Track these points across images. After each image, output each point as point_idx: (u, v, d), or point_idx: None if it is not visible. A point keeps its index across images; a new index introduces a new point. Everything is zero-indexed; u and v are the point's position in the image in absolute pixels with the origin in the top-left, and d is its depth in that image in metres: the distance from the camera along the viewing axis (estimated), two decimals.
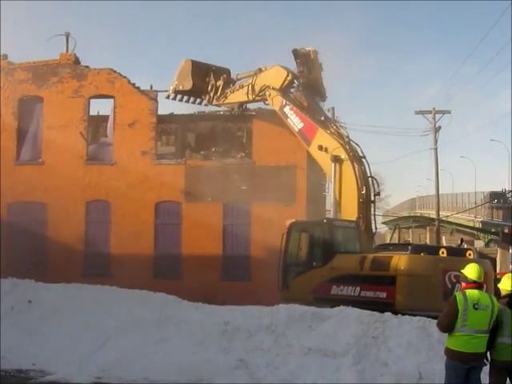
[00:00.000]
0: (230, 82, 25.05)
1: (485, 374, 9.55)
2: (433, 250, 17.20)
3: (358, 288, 16.66)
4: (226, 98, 24.94)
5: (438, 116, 40.64)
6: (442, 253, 16.73)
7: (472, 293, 9.24)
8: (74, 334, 15.17)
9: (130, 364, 13.68)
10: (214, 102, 25.40)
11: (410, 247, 17.10)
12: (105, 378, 13.42)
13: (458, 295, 9.27)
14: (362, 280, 16.69)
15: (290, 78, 22.43)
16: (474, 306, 9.10)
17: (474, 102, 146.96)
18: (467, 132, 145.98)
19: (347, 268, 17.34)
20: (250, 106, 25.90)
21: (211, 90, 25.13)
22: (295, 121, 21.84)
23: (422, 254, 16.48)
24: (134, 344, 14.34)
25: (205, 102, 25.87)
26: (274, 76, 22.89)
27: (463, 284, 9.56)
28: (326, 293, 17.37)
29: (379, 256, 17.04)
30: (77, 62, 27.36)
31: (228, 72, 25.86)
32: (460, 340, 9.12)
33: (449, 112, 41.43)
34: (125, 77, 26.77)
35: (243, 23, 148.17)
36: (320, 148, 20.73)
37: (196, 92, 25.77)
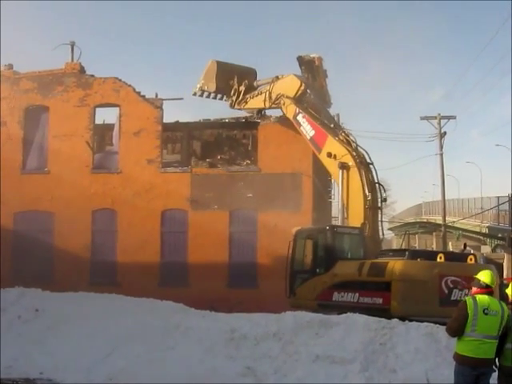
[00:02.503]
0: (251, 88, 25.15)
1: (493, 380, 9.51)
2: (431, 256, 17.19)
3: (357, 294, 16.77)
4: (247, 103, 25.17)
5: (443, 121, 40.59)
6: (440, 258, 16.69)
7: (482, 298, 9.23)
8: (81, 342, 15.16)
9: (138, 372, 13.65)
10: (236, 106, 25.72)
11: (407, 253, 17.12)
12: None
13: (468, 300, 9.25)
14: (361, 286, 16.82)
15: (303, 87, 22.55)
16: (484, 311, 9.09)
17: (478, 107, 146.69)
18: (472, 137, 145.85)
19: (347, 274, 17.47)
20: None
21: (234, 94, 25.32)
22: (307, 128, 21.96)
23: (418, 260, 16.50)
24: (142, 352, 14.32)
25: (227, 104, 26.03)
26: (289, 85, 23.01)
27: (474, 289, 9.51)
28: (328, 299, 17.51)
29: (376, 262, 17.10)
30: (82, 71, 27.45)
31: (254, 73, 26.01)
32: (469, 345, 9.11)
33: (454, 117, 41.39)
34: (130, 85, 26.85)
35: (249, 29, 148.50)
36: (329, 155, 20.78)
37: (220, 93, 26.00)
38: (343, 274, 17.54)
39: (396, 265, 16.20)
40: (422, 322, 13.82)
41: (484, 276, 9.48)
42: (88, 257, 26.06)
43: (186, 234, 25.95)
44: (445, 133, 40.54)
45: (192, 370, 13.41)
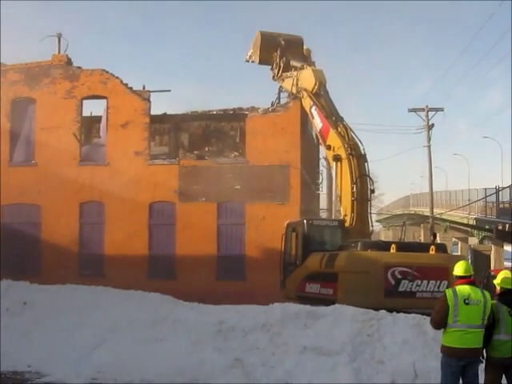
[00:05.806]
0: (288, 66, 25.00)
1: (481, 371, 9.56)
2: (385, 247, 17.23)
3: (319, 285, 17.03)
4: (283, 80, 25.05)
5: (430, 114, 40.67)
6: (393, 249, 16.73)
7: (462, 288, 9.31)
8: (69, 335, 15.15)
9: (126, 365, 13.65)
10: (276, 80, 25.70)
11: (359, 243, 17.23)
12: (100, 379, 13.40)
13: (448, 291, 9.36)
14: (321, 277, 17.09)
15: (317, 87, 22.43)
16: (464, 300, 9.17)
17: (466, 99, 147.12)
18: (460, 129, 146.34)
19: (312, 266, 17.74)
20: (242, 105, 26.09)
21: (276, 67, 25.34)
22: (317, 121, 22.05)
23: (368, 251, 16.64)
24: (130, 344, 14.32)
25: (271, 76, 26.07)
26: (308, 80, 23.04)
27: (455, 281, 9.60)
28: (303, 290, 17.80)
29: (333, 253, 17.26)
30: (69, 62, 27.29)
31: (300, 42, 25.89)
32: (453, 336, 9.19)
33: (442, 109, 41.47)
34: (117, 77, 26.70)
35: (235, 20, 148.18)
36: (328, 147, 20.89)
37: (264, 64, 25.99)
38: (310, 266, 17.86)
39: (342, 256, 16.47)
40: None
41: (457, 268, 9.58)
42: (76, 249, 25.99)
43: (173, 226, 25.89)
44: (433, 125, 40.66)
45: (180, 362, 13.42)
